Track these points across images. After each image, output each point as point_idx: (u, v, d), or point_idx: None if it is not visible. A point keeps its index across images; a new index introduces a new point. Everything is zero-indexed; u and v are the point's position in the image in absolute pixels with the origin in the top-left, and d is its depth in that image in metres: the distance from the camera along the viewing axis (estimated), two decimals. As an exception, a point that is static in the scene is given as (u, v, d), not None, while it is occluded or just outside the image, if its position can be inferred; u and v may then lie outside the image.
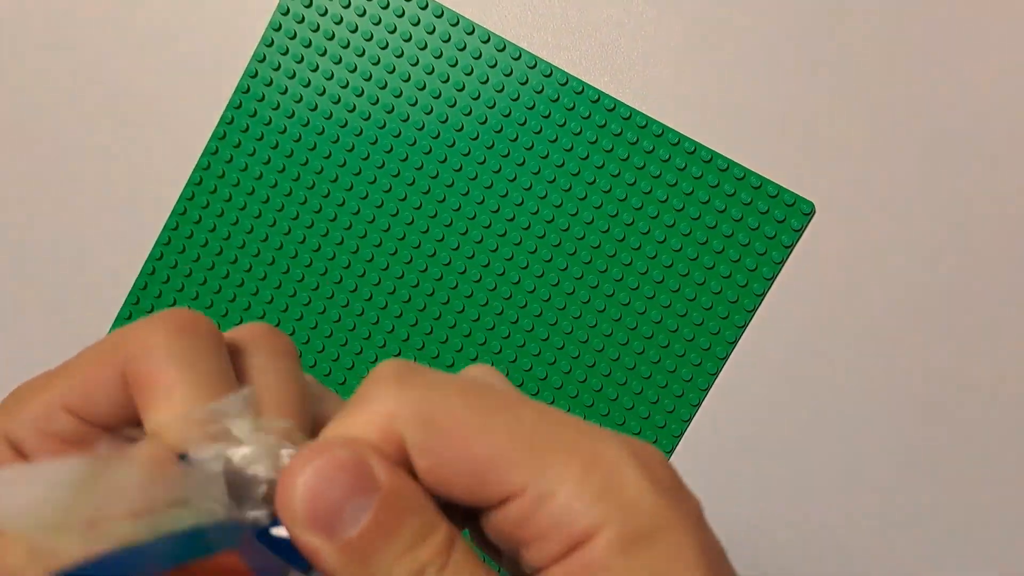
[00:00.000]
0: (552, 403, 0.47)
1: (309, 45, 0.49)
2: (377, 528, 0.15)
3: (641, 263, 0.48)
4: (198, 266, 0.50)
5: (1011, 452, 0.47)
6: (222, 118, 0.49)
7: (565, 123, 0.48)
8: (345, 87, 0.49)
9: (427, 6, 0.48)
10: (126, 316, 0.50)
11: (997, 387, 0.47)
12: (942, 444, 0.47)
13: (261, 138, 0.49)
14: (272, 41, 0.49)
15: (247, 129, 0.49)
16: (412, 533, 0.15)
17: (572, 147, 0.48)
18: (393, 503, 0.15)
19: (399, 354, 0.50)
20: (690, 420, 0.48)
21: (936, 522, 0.47)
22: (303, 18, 0.49)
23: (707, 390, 0.48)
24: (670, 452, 0.48)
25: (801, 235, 0.47)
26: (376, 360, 0.49)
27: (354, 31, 0.49)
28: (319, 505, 0.15)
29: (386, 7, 0.48)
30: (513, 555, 0.17)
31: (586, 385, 0.49)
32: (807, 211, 0.47)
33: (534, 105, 0.48)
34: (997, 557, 0.47)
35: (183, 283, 0.50)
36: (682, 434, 0.48)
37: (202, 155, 0.49)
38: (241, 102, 0.49)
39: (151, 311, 0.50)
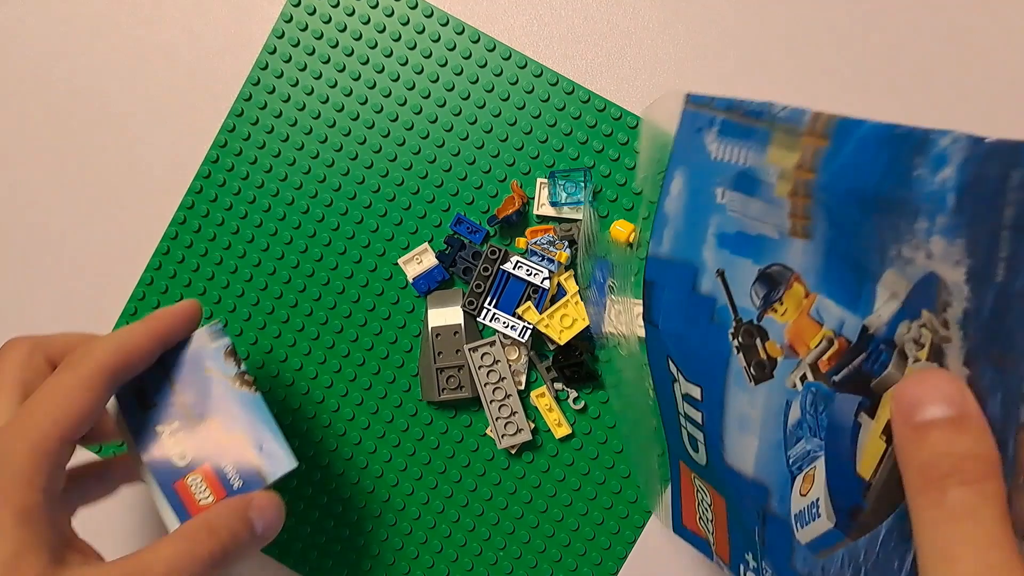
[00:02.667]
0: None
1: (312, 52, 0.48)
2: (947, 423, 0.21)
3: (648, 273, 0.47)
4: (198, 273, 0.49)
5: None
6: (223, 125, 0.49)
7: (571, 132, 0.47)
8: (349, 95, 0.48)
9: (432, 14, 0.48)
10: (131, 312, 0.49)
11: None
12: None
13: (254, 161, 0.49)
14: (275, 48, 0.48)
15: (248, 137, 0.49)
16: (969, 444, 0.21)
17: (579, 156, 0.47)
18: (968, 419, 0.22)
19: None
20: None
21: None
22: (306, 26, 0.48)
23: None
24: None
25: (809, 245, 0.47)
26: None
27: (358, 39, 0.48)
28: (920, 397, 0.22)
29: (391, 15, 0.48)
30: None
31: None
32: (815, 221, 0.47)
33: (540, 114, 0.47)
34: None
35: (181, 293, 0.49)
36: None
37: (201, 166, 0.49)
38: (243, 111, 0.49)
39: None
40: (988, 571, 0.20)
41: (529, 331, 0.46)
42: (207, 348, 0.38)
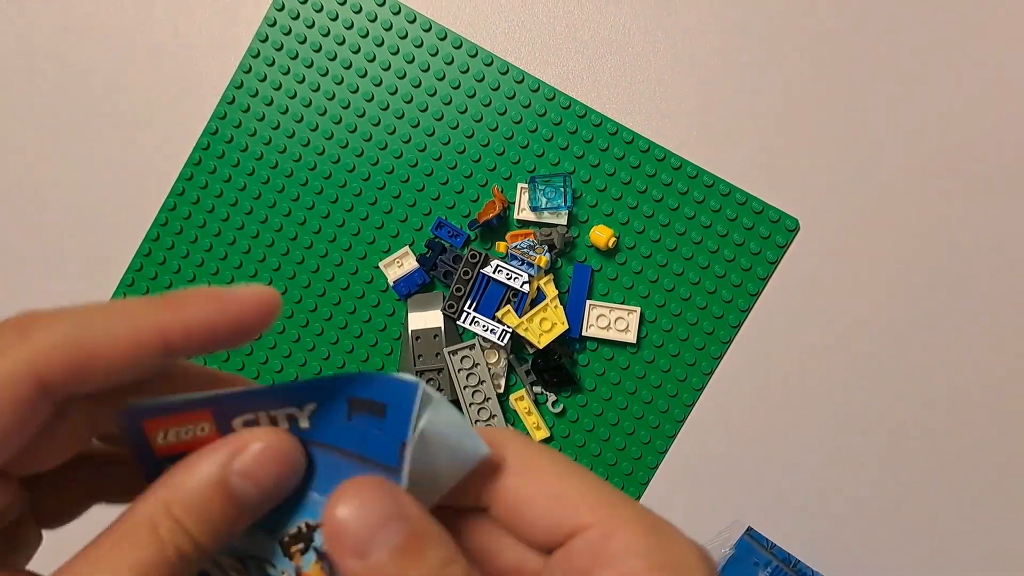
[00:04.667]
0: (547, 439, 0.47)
1: (296, 56, 0.49)
2: (403, 552, 0.17)
3: (627, 278, 0.48)
4: (195, 247, 0.49)
5: (982, 455, 0.47)
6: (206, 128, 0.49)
7: (552, 138, 0.48)
8: (332, 98, 0.49)
9: (415, 19, 0.48)
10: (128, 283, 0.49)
11: (972, 396, 0.47)
12: (921, 455, 0.47)
13: (245, 148, 0.49)
14: (258, 52, 0.49)
15: (231, 139, 0.49)
16: (435, 560, 0.18)
17: (559, 162, 0.48)
18: (419, 532, 0.18)
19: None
20: (683, 420, 0.48)
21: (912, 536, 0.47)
22: (289, 30, 0.49)
23: (691, 406, 0.48)
24: (662, 453, 0.48)
25: (786, 251, 0.47)
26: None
27: (341, 43, 0.48)
28: (354, 531, 0.17)
29: (374, 20, 0.48)
30: None
31: (589, 410, 0.48)
32: (792, 227, 0.47)
33: (521, 119, 0.48)
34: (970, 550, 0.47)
35: (179, 264, 0.49)
36: (666, 450, 0.48)
37: (184, 167, 0.49)
38: (234, 97, 0.49)
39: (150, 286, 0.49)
40: None
41: (508, 335, 0.46)
42: None
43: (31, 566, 0.20)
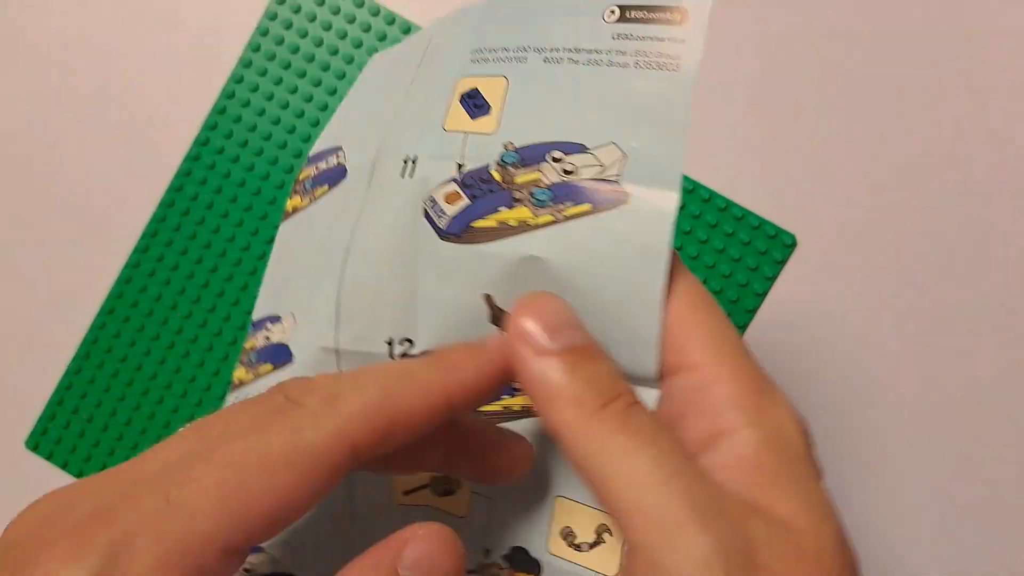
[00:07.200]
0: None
1: (297, 51, 0.48)
2: (574, 353, 0.19)
3: (622, 293, 0.47)
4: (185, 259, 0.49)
5: (997, 473, 0.47)
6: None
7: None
8: (333, 94, 0.48)
9: (394, 21, 0.47)
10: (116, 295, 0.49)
11: (976, 419, 0.47)
12: (928, 482, 0.47)
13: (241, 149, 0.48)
14: (250, 62, 0.48)
15: (222, 150, 0.48)
16: (604, 368, 0.19)
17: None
18: (589, 342, 0.20)
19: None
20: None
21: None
22: (291, 24, 0.48)
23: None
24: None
25: (783, 267, 0.47)
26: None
27: (335, 54, 0.48)
28: (535, 333, 0.19)
29: (368, 30, 0.48)
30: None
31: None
32: (789, 243, 0.47)
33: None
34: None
35: (169, 277, 0.49)
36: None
37: (175, 178, 0.48)
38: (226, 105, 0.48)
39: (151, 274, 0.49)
40: (684, 473, 0.18)
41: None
42: None
43: None
